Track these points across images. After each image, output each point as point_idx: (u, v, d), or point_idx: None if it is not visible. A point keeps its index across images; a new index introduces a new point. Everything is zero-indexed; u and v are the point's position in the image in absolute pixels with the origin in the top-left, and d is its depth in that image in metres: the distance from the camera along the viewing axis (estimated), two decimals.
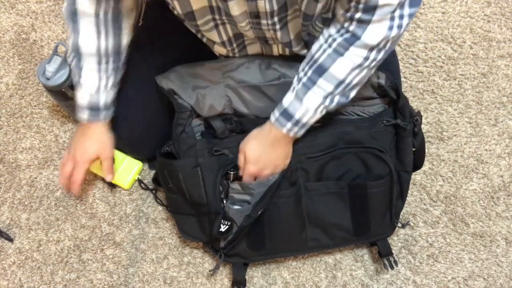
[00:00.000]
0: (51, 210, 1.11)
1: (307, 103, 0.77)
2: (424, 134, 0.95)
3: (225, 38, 0.81)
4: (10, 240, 1.10)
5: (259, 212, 0.89)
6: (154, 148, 1.01)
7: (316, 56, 0.75)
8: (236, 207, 0.91)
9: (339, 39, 0.72)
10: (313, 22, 0.77)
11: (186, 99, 0.88)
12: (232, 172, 0.90)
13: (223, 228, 0.91)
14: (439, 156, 1.12)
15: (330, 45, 0.74)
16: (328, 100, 0.77)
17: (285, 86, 0.85)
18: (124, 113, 0.98)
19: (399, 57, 1.14)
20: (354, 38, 0.70)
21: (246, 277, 1.03)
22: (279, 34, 0.77)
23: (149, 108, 0.97)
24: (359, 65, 0.73)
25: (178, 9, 0.72)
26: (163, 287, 1.06)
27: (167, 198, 1.01)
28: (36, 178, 1.13)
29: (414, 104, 1.15)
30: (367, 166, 0.91)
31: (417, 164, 0.97)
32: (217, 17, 0.74)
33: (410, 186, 1.06)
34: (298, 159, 0.89)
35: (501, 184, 1.11)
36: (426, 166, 1.11)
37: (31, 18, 1.21)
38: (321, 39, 0.76)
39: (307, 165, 0.89)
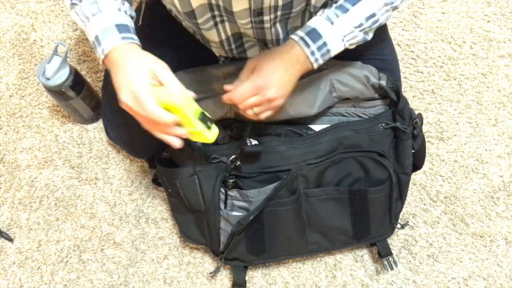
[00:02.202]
0: (51, 210, 1.11)
1: (338, 27, 0.73)
2: (424, 135, 0.95)
3: (223, 37, 0.81)
4: (10, 240, 1.10)
5: (250, 218, 0.88)
6: (153, 150, 1.01)
7: None
8: (235, 213, 0.91)
9: None
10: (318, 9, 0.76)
11: None
12: (230, 180, 0.89)
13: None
14: (439, 156, 1.12)
15: None
16: (355, 32, 0.75)
17: None
18: (121, 116, 0.98)
19: (399, 57, 1.14)
20: None
21: (246, 277, 1.03)
22: (278, 27, 0.77)
23: None
24: (390, 2, 0.73)
25: (178, 8, 0.72)
26: (163, 287, 1.06)
27: (168, 200, 1.01)
28: (36, 178, 1.13)
29: (414, 104, 1.15)
30: (366, 170, 0.91)
31: (417, 165, 0.97)
32: (216, 13, 0.74)
33: (410, 186, 1.06)
34: (298, 166, 0.88)
35: (501, 184, 1.11)
36: (426, 166, 1.11)
37: (31, 18, 1.21)
38: None
39: (307, 171, 0.88)
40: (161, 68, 0.66)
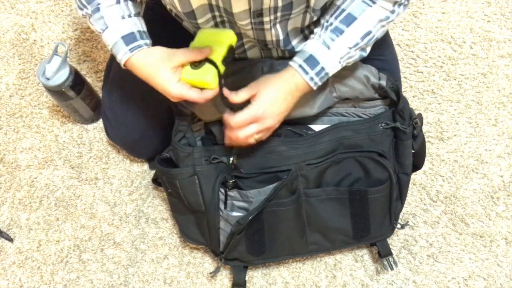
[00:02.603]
0: (51, 210, 1.11)
1: (334, 51, 0.76)
2: (424, 135, 0.95)
3: None
4: (10, 240, 1.10)
5: (249, 218, 0.88)
6: (153, 150, 1.01)
7: (344, 6, 0.76)
8: (235, 213, 0.91)
9: None
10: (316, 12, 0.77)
11: (186, 105, 0.88)
12: (230, 181, 0.89)
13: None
14: (439, 156, 1.12)
15: None
16: (351, 52, 0.77)
17: None
18: (121, 116, 0.98)
19: (399, 57, 1.14)
20: None
21: (246, 277, 1.03)
22: (278, 28, 0.77)
23: (148, 111, 0.97)
24: (385, 18, 0.75)
25: (178, 8, 0.72)
26: (163, 287, 1.06)
27: (168, 200, 1.01)
28: (36, 178, 1.13)
29: (414, 104, 1.15)
30: (366, 170, 0.91)
31: (417, 165, 0.97)
32: (216, 14, 0.74)
33: (410, 186, 1.06)
34: (298, 166, 0.88)
35: (501, 184, 1.11)
36: (426, 166, 1.11)
37: (31, 18, 1.21)
38: None
39: (307, 171, 0.88)
40: (175, 58, 0.73)
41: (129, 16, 0.76)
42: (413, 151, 0.92)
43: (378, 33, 0.77)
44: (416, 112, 0.91)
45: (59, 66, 0.98)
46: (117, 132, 1.01)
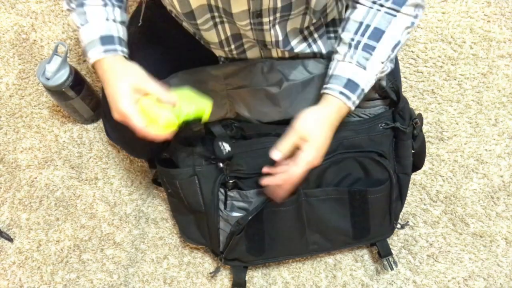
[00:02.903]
0: (51, 210, 1.11)
1: (371, 70, 0.75)
2: (424, 135, 0.95)
3: (223, 38, 0.81)
4: (10, 240, 1.10)
5: (249, 218, 0.88)
6: (153, 150, 1.01)
7: (367, 21, 0.74)
8: (235, 214, 0.91)
9: (388, 3, 0.73)
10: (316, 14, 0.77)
11: None
12: (230, 181, 0.89)
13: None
14: (439, 156, 1.12)
15: (379, 10, 0.74)
16: (385, 65, 0.76)
17: (288, 90, 0.85)
18: None
19: (399, 57, 1.14)
20: None
21: (246, 277, 1.03)
22: (277, 29, 0.77)
23: None
24: (411, 25, 0.74)
25: (177, 8, 0.72)
26: (163, 287, 1.06)
27: (168, 200, 1.01)
28: (36, 178, 1.13)
29: (414, 104, 1.15)
30: (366, 170, 0.91)
31: (417, 165, 0.97)
32: (216, 14, 0.74)
33: (410, 186, 1.06)
34: None
35: (501, 184, 1.11)
36: (426, 166, 1.11)
37: (31, 18, 1.21)
38: (364, 8, 0.75)
39: (307, 172, 0.89)
40: (142, 81, 0.70)
41: (114, 21, 0.74)
42: (413, 151, 0.92)
43: (403, 40, 0.76)
44: (416, 112, 0.91)
45: (59, 66, 0.98)
46: (117, 132, 1.01)
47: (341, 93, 0.74)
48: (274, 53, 0.87)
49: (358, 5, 0.76)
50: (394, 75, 0.93)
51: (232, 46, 0.84)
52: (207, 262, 1.07)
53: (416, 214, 1.10)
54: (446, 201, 1.10)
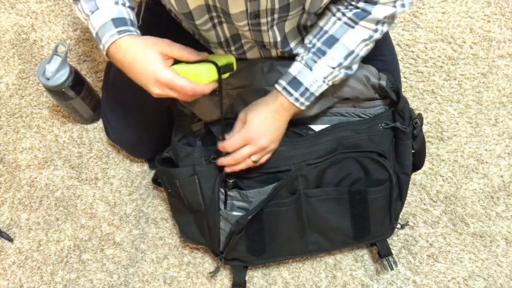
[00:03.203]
0: (51, 210, 1.11)
1: (317, 72, 0.78)
2: (424, 135, 0.95)
3: (222, 38, 0.81)
4: (10, 240, 1.10)
5: (249, 218, 0.88)
6: (153, 150, 1.01)
7: (326, 27, 0.77)
8: (235, 213, 0.91)
9: (349, 14, 0.75)
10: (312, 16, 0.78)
11: (186, 105, 0.88)
12: (230, 181, 0.89)
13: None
14: (439, 156, 1.12)
15: (340, 18, 0.76)
16: (336, 71, 0.78)
17: None
18: (121, 117, 0.98)
19: (399, 57, 1.14)
20: (364, 13, 0.74)
21: (246, 277, 1.03)
22: (275, 30, 0.77)
23: (148, 111, 0.97)
24: (369, 37, 0.76)
25: (176, 9, 0.72)
26: (163, 287, 1.06)
27: (168, 200, 1.01)
28: (36, 178, 1.13)
29: (414, 104, 1.15)
30: (366, 170, 0.91)
31: (417, 165, 0.97)
32: (214, 14, 0.74)
33: (410, 186, 1.06)
34: (298, 166, 0.88)
35: (501, 184, 1.11)
36: (426, 166, 1.11)
37: (31, 18, 1.21)
38: (329, 14, 0.78)
39: (307, 171, 0.89)
40: (167, 46, 0.69)
41: (123, 4, 0.73)
42: (413, 151, 0.92)
43: (362, 52, 0.78)
44: (416, 112, 0.91)
45: (59, 66, 0.98)
46: (117, 132, 1.01)
47: (284, 88, 0.79)
48: (273, 53, 0.87)
49: (326, 11, 0.79)
50: (394, 75, 0.93)
51: (232, 47, 0.84)
52: (207, 262, 1.07)
53: (416, 214, 1.10)
54: (446, 201, 1.10)
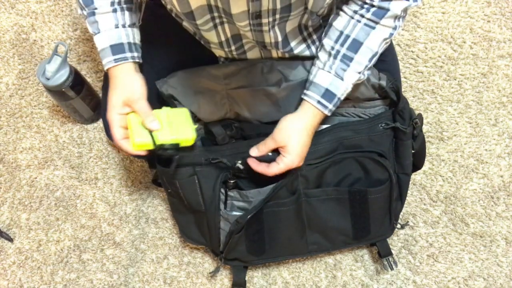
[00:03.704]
0: (51, 210, 1.11)
1: (348, 80, 0.78)
2: (424, 135, 0.95)
3: (223, 38, 0.81)
4: (10, 240, 1.10)
5: (248, 217, 0.88)
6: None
7: (347, 32, 0.77)
8: (234, 213, 0.91)
9: (368, 14, 0.75)
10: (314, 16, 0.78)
11: (186, 105, 0.88)
12: (231, 181, 0.89)
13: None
14: (439, 156, 1.12)
15: (359, 21, 0.76)
16: (361, 75, 0.79)
17: (288, 90, 0.85)
18: None
19: (399, 57, 1.14)
20: (383, 11, 0.74)
21: (246, 277, 1.03)
22: (277, 30, 0.77)
23: None
24: (389, 36, 0.77)
25: (177, 9, 0.72)
26: (163, 287, 1.06)
27: (168, 200, 1.01)
28: (36, 178, 1.13)
29: (414, 104, 1.15)
30: (366, 170, 0.91)
31: (417, 165, 0.97)
32: (216, 15, 0.74)
33: (410, 186, 1.06)
34: None
35: (501, 184, 1.11)
36: (426, 166, 1.11)
37: (31, 18, 1.21)
38: (345, 17, 0.78)
39: (307, 171, 0.88)
40: (134, 100, 0.77)
41: (123, 26, 0.79)
42: (413, 151, 0.92)
43: (381, 50, 0.79)
44: (416, 112, 0.91)
45: (59, 66, 0.98)
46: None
47: (319, 102, 0.79)
48: (274, 54, 0.87)
49: (341, 13, 0.78)
50: (394, 75, 0.93)
51: (233, 47, 0.84)
52: (207, 262, 1.07)
53: (416, 214, 1.10)
54: (446, 201, 1.10)
